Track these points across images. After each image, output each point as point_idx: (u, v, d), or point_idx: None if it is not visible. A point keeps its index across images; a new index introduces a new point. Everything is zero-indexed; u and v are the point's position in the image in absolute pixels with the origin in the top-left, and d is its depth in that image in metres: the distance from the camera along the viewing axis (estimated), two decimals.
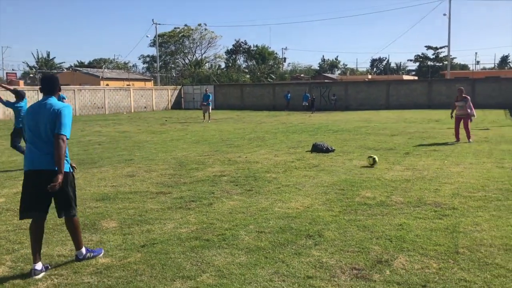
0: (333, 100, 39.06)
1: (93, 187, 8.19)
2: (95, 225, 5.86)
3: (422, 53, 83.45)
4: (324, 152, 11.99)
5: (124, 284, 4.08)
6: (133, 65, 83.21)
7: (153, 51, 79.08)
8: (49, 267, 4.48)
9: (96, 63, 73.75)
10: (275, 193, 7.49)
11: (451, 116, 15.03)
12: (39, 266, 4.34)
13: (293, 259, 4.61)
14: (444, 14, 50.42)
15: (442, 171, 9.13)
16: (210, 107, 27.09)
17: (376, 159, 9.95)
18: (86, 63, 75.79)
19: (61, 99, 30.47)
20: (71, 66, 67.43)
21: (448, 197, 6.97)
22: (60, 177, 4.27)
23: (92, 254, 4.74)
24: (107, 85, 44.25)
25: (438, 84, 40.08)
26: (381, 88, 40.64)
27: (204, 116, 27.00)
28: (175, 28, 76.00)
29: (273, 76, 71.42)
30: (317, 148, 12.23)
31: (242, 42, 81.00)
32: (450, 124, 19.14)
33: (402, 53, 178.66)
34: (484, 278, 4.10)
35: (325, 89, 42.11)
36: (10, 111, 25.36)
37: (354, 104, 40.43)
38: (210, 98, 27.16)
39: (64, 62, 73.76)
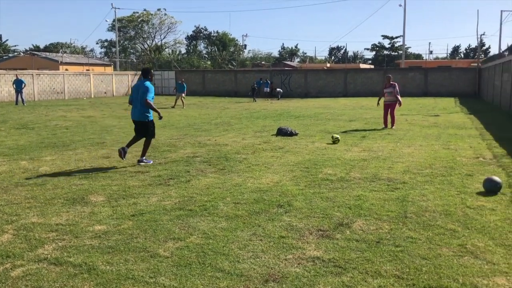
0: (278, 93, 37.52)
1: (73, 167, 8.63)
2: (84, 199, 6.38)
3: (379, 43, 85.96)
4: (288, 135, 12.80)
5: (123, 245, 4.68)
6: (91, 50, 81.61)
7: (111, 36, 77.81)
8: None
9: (53, 47, 71.84)
10: (246, 171, 8.19)
11: (378, 104, 15.83)
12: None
13: (267, 223, 5.33)
14: (400, 5, 51.98)
15: (395, 152, 10.09)
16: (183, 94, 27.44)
17: (339, 138, 11.39)
18: (42, 47, 73.69)
19: (20, 83, 29.83)
20: (27, 50, 65.47)
21: (399, 174, 7.88)
22: None
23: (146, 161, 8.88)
24: (66, 70, 43.49)
25: (393, 72, 41.62)
26: (339, 76, 41.91)
27: (176, 101, 27.22)
28: (134, 12, 75.04)
29: (234, 63, 71.76)
30: (281, 132, 13.01)
31: (202, 28, 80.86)
32: (403, 111, 20.34)
33: (360, 42, 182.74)
34: (427, 235, 4.94)
35: (285, 77, 43.00)
36: None
37: (314, 92, 41.57)
38: (185, 88, 27.71)
39: (17, 45, 71.48)
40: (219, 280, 3.90)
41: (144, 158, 8.99)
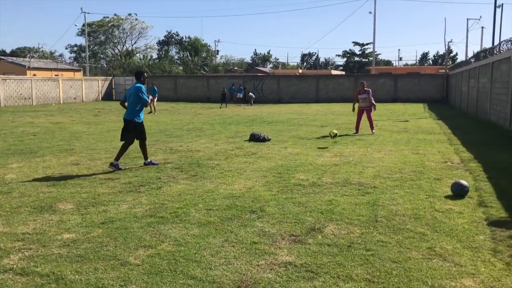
0: (251, 98, 37.80)
1: (40, 175, 8.43)
2: (52, 207, 6.23)
3: (350, 49, 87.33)
4: (261, 141, 12.82)
5: (92, 253, 4.58)
6: (60, 55, 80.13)
7: (81, 41, 76.57)
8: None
9: (20, 52, 70.21)
10: (218, 177, 8.16)
11: (353, 109, 15.86)
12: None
13: (240, 229, 5.31)
14: (370, 12, 53.01)
15: (365, 157, 10.23)
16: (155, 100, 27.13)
17: (337, 134, 12.50)
18: (8, 51, 71.90)
19: None
20: None
21: (370, 178, 7.99)
22: None
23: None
24: (34, 75, 42.54)
25: (364, 79, 42.29)
26: (311, 82, 42.33)
27: (151, 107, 26.87)
28: (104, 17, 74.09)
29: (206, 69, 71.61)
30: (254, 138, 13.03)
31: (174, 33, 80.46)
32: (374, 117, 20.65)
33: (331, 49, 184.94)
34: (397, 239, 5.01)
35: (258, 83, 43.15)
36: None
37: (286, 97, 41.84)
38: (157, 92, 27.55)
39: None
40: (191, 287, 3.86)
41: (117, 162, 9.03)
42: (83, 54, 70.09)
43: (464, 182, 6.94)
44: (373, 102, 15.17)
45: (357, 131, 15.05)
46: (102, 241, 4.92)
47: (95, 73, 58.09)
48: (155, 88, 27.59)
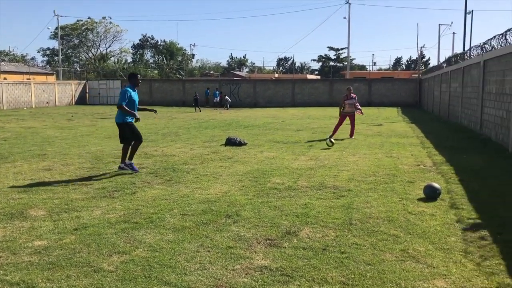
0: (227, 102, 37.78)
1: (11, 181, 8.24)
2: (23, 214, 6.09)
3: (325, 54, 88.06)
4: (237, 145, 12.82)
5: (65, 260, 4.49)
6: (32, 58, 78.59)
7: (54, 44, 75.28)
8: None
9: None
10: (194, 182, 8.11)
11: (340, 114, 15.60)
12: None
13: (215, 234, 5.29)
14: (344, 18, 53.68)
15: (340, 160, 10.33)
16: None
17: (334, 142, 12.82)
18: None
19: None
20: None
21: (345, 181, 8.06)
22: None
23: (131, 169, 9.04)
24: (5, 78, 41.60)
25: (338, 83, 42.84)
26: (287, 86, 42.57)
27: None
28: (78, 20, 73.04)
29: (182, 72, 71.26)
30: (230, 142, 13.01)
31: (149, 37, 79.86)
32: (348, 121, 20.88)
33: (307, 53, 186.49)
34: (371, 241, 5.07)
35: (234, 87, 43.16)
36: None
37: (262, 102, 41.97)
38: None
39: None
40: None
41: (124, 164, 9.15)
42: (56, 58, 68.89)
43: (436, 185, 7.07)
44: (359, 107, 15.31)
45: (333, 133, 14.86)
46: (75, 248, 4.84)
47: (68, 77, 57.19)
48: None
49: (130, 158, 9.25)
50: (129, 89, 9.15)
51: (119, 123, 9.13)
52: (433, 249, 4.81)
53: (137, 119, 9.12)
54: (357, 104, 15.31)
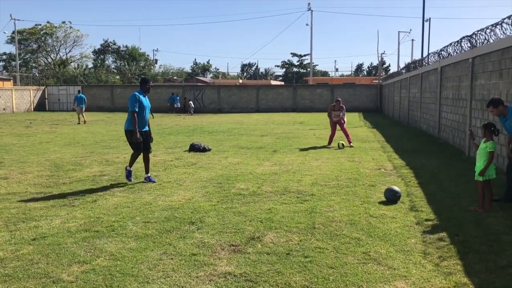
0: (190, 107, 37.77)
1: None
2: None
3: (288, 60, 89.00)
4: (201, 151, 12.74)
5: (22, 271, 4.35)
6: None
7: (11, 49, 72.97)
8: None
9: None
10: (157, 189, 8.01)
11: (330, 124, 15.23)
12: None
13: (178, 241, 5.23)
14: (307, 24, 54.37)
15: (304, 165, 10.43)
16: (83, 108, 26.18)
17: (344, 144, 13.34)
18: None
19: None
20: None
21: (308, 186, 8.14)
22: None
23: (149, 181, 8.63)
24: None
25: (302, 89, 43.30)
26: (251, 92, 42.68)
27: (80, 117, 26.04)
28: (36, 25, 71.00)
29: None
30: (194, 148, 12.92)
31: (111, 42, 78.48)
32: (312, 126, 21.15)
33: (271, 59, 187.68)
34: (334, 245, 5.13)
35: (198, 92, 42.95)
36: None
37: (227, 107, 41.93)
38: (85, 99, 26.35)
39: None
40: None
41: (148, 175, 8.87)
42: (13, 63, 66.80)
43: (396, 188, 7.24)
44: (345, 118, 14.85)
45: (329, 143, 14.55)
46: (33, 259, 4.68)
47: (26, 83, 55.48)
48: (82, 96, 26.46)
49: (146, 171, 8.87)
50: (137, 94, 8.66)
51: (125, 130, 8.73)
52: (394, 251, 4.91)
53: (139, 140, 8.53)
54: (344, 115, 14.80)
